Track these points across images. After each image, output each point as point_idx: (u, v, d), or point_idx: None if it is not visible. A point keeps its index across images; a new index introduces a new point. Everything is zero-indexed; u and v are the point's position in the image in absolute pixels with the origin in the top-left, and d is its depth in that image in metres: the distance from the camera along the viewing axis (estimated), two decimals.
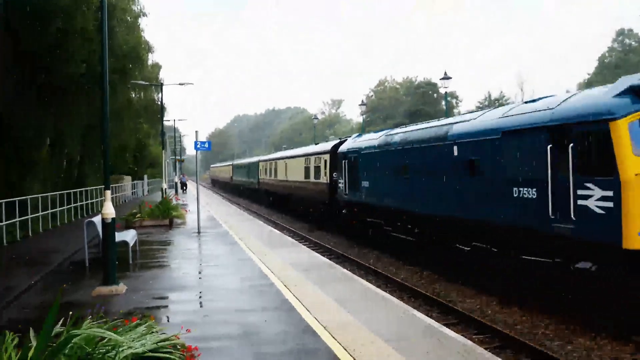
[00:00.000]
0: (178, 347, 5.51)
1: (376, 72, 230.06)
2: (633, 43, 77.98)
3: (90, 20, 18.28)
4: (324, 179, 23.94)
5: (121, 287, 9.85)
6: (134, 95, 33.96)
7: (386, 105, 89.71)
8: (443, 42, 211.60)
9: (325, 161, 23.97)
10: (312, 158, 26.46)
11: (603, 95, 9.09)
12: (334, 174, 22.73)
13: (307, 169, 27.10)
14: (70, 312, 6.05)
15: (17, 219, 16.73)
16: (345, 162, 20.68)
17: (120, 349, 4.77)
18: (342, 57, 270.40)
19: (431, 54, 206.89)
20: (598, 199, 8.63)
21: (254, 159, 49.90)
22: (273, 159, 38.03)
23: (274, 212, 36.76)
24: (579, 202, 8.97)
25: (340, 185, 21.42)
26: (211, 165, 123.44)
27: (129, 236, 13.39)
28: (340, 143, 22.94)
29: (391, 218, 17.02)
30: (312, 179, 26.11)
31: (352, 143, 20.76)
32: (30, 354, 4.40)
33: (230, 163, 71.08)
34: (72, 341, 4.63)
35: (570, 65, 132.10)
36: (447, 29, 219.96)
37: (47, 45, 17.56)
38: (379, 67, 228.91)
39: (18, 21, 16.37)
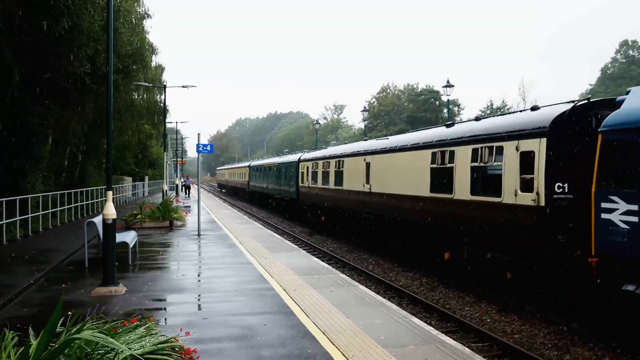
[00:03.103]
0: (177, 349, 5.52)
1: (379, 70, 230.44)
2: (636, 55, 78.13)
3: (96, 20, 18.33)
4: (526, 195, 10.56)
5: (120, 288, 9.86)
6: (136, 96, 34.04)
7: (388, 112, 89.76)
8: (446, 39, 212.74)
9: (531, 155, 10.58)
10: (460, 150, 13.00)
11: None
12: (558, 186, 10.10)
13: (438, 173, 13.97)
14: (70, 312, 6.07)
15: (18, 218, 16.73)
16: None
17: (120, 350, 4.78)
18: (346, 56, 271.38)
19: (434, 49, 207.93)
20: None
21: (290, 157, 35.28)
22: (332, 156, 23.85)
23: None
24: None
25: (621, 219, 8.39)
26: (217, 168, 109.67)
27: (129, 237, 13.41)
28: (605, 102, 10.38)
29: None
30: (456, 193, 12.97)
31: None
32: (30, 353, 4.40)
33: (247, 164, 54.50)
34: (72, 343, 4.64)
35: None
36: (451, 24, 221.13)
37: (53, 42, 17.61)
38: (383, 62, 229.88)
39: (24, 17, 16.43)
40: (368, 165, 19.04)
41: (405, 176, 15.91)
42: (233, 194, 66.88)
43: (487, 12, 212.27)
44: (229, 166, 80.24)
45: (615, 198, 8.54)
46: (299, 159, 30.32)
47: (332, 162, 23.55)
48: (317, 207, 26.19)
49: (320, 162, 25.44)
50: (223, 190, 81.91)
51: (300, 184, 29.37)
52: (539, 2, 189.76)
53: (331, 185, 23.39)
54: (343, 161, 22.11)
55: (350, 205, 21.09)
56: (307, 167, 27.82)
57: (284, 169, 33.85)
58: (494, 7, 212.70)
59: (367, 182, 18.90)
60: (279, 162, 36.48)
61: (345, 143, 27.28)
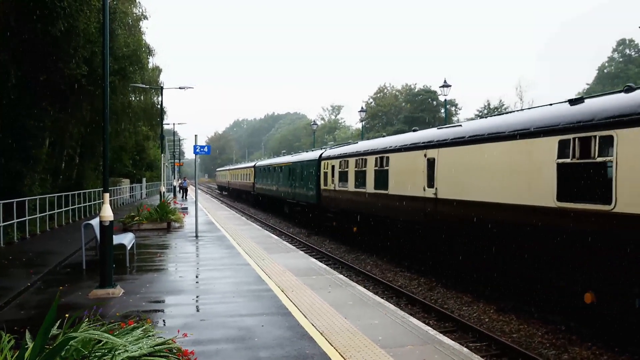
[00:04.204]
0: (174, 350, 5.50)
1: (377, 70, 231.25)
2: (633, 54, 78.36)
3: (92, 21, 18.31)
4: None
5: (118, 290, 9.84)
6: (133, 98, 33.97)
7: (385, 112, 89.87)
8: (446, 39, 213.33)
9: None
10: (628, 135, 8.38)
11: None
12: None
13: (576, 172, 9.39)
14: (67, 315, 6.05)
15: (15, 220, 16.70)
16: None
17: (117, 352, 4.77)
18: (344, 57, 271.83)
19: (433, 50, 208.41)
20: None
21: (307, 154, 30.34)
22: (371, 152, 18.94)
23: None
24: None
25: None
26: (217, 169, 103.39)
27: (126, 239, 13.40)
28: None
29: None
30: (618, 204, 8.41)
31: None
32: (26, 356, 4.39)
33: (253, 164, 49.58)
34: (69, 344, 4.62)
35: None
36: (450, 24, 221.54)
37: (49, 45, 17.58)
38: (381, 63, 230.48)
39: (21, 19, 16.40)
40: (431, 162, 14.34)
41: (506, 177, 11.13)
42: (236, 197, 62.12)
43: (487, 12, 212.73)
44: (231, 167, 73.74)
45: None
46: (321, 156, 25.44)
47: (371, 159, 18.65)
48: (347, 215, 21.28)
49: (352, 160, 20.55)
50: (224, 193, 77.11)
51: (322, 187, 24.57)
52: (539, 2, 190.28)
53: (369, 188, 18.56)
54: (387, 157, 17.20)
55: (400, 215, 16.19)
56: (333, 166, 23.06)
57: (299, 169, 29.16)
58: (494, 7, 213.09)
59: (431, 184, 14.22)
60: (293, 161, 31.74)
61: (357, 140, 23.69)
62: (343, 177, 21.60)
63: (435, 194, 13.95)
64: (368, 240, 19.70)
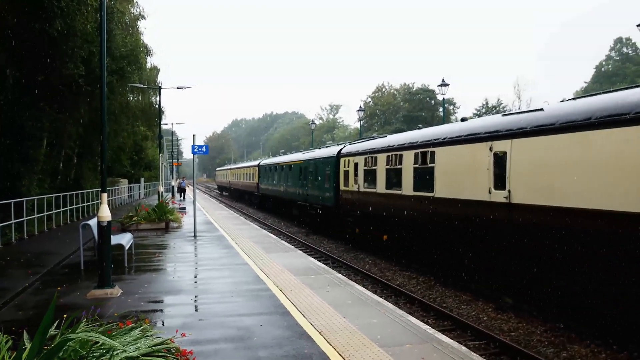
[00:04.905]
0: (172, 350, 5.50)
1: (376, 70, 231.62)
2: (630, 52, 78.48)
3: (90, 21, 18.28)
4: None
5: (116, 290, 9.83)
6: (131, 98, 33.95)
7: (384, 111, 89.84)
8: (446, 39, 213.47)
9: None
10: None
11: None
12: None
13: None
14: (65, 315, 6.04)
15: (13, 221, 16.66)
16: None
17: (115, 353, 4.76)
18: (343, 56, 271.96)
19: (433, 50, 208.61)
20: None
21: (322, 151, 26.71)
22: (408, 146, 15.82)
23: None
24: None
25: None
26: (217, 168, 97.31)
27: (124, 239, 13.38)
28: None
29: None
30: None
31: None
32: (24, 357, 4.38)
33: (257, 163, 45.82)
34: (67, 344, 4.62)
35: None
36: (450, 24, 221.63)
37: (47, 45, 17.55)
38: (380, 62, 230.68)
39: (18, 19, 16.37)
40: (500, 157, 11.29)
41: (633, 177, 8.00)
42: (238, 197, 58.54)
43: (487, 12, 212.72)
44: (233, 166, 68.71)
45: None
46: (340, 152, 22.33)
47: (408, 154, 15.49)
48: (374, 220, 18.26)
49: (382, 156, 17.38)
50: (224, 194, 73.07)
51: (342, 188, 21.51)
52: (539, 2, 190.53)
53: (406, 190, 15.48)
54: (433, 152, 14.14)
55: (452, 223, 13.15)
56: (356, 164, 19.96)
57: (313, 168, 25.85)
58: (494, 7, 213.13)
59: (500, 185, 11.18)
60: (305, 158, 28.34)
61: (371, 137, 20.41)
62: (369, 176, 18.49)
63: (508, 197, 10.88)
64: (402, 251, 16.81)
